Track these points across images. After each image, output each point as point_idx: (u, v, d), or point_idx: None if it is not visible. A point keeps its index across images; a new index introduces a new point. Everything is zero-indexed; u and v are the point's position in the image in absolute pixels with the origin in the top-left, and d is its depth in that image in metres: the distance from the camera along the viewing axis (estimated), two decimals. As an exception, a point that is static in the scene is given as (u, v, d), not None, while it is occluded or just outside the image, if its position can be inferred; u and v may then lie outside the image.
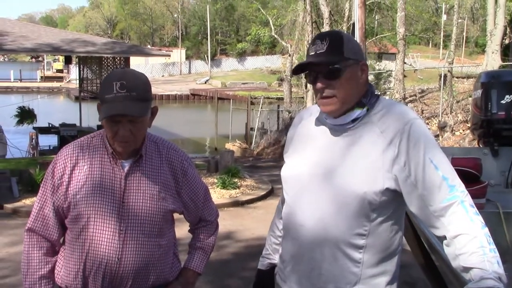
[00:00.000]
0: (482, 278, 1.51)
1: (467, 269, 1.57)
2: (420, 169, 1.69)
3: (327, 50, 1.75)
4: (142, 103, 1.88)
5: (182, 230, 2.42)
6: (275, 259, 2.11)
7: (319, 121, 1.90)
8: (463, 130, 14.73)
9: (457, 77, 23.70)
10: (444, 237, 1.68)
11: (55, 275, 2.08)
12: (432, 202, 1.68)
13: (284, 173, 1.95)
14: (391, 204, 1.76)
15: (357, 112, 1.79)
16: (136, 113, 1.86)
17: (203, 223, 2.27)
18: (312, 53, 1.77)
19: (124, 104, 1.83)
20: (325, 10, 20.09)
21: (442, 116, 16.85)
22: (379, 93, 1.75)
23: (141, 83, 1.90)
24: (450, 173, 1.70)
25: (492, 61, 16.30)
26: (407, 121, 1.75)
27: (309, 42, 1.84)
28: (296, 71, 1.85)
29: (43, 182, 2.06)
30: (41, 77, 59.20)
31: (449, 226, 1.65)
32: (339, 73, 1.76)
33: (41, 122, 18.98)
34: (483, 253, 1.56)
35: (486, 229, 1.63)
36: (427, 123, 16.95)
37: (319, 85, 1.77)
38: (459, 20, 24.69)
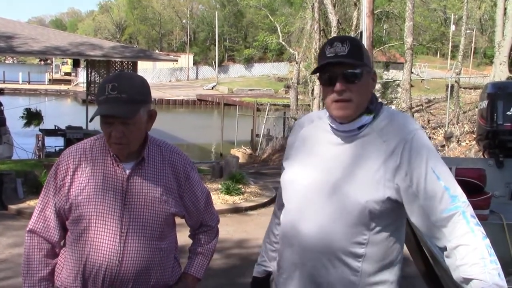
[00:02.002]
0: (482, 290, 1.51)
1: (467, 280, 1.57)
2: (422, 179, 1.69)
3: (348, 53, 1.74)
4: (132, 105, 1.88)
5: (184, 235, 2.42)
6: (271, 266, 2.10)
7: (322, 129, 1.88)
8: (469, 141, 14.66)
9: (464, 88, 23.60)
10: (445, 248, 1.67)
11: (55, 276, 2.07)
12: (433, 212, 1.67)
13: (285, 179, 1.94)
14: (391, 214, 1.75)
15: (365, 119, 1.79)
16: (123, 114, 1.86)
17: (204, 228, 2.27)
18: (332, 55, 1.74)
19: (112, 106, 1.85)
20: (333, 19, 20.09)
21: (448, 127, 16.80)
22: (384, 102, 1.77)
23: (135, 86, 1.91)
24: (451, 184, 1.70)
25: (500, 72, 16.23)
26: (409, 131, 1.75)
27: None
28: (317, 69, 1.81)
29: (45, 183, 2.06)
30: (49, 79, 59.68)
31: (450, 236, 1.64)
32: (359, 77, 1.76)
33: (48, 124, 19.07)
34: (483, 265, 1.55)
35: (487, 240, 1.62)
36: (433, 133, 16.89)
37: (338, 86, 1.75)
38: (468, 31, 24.69)
